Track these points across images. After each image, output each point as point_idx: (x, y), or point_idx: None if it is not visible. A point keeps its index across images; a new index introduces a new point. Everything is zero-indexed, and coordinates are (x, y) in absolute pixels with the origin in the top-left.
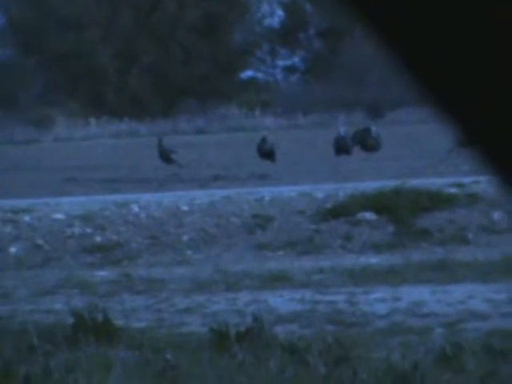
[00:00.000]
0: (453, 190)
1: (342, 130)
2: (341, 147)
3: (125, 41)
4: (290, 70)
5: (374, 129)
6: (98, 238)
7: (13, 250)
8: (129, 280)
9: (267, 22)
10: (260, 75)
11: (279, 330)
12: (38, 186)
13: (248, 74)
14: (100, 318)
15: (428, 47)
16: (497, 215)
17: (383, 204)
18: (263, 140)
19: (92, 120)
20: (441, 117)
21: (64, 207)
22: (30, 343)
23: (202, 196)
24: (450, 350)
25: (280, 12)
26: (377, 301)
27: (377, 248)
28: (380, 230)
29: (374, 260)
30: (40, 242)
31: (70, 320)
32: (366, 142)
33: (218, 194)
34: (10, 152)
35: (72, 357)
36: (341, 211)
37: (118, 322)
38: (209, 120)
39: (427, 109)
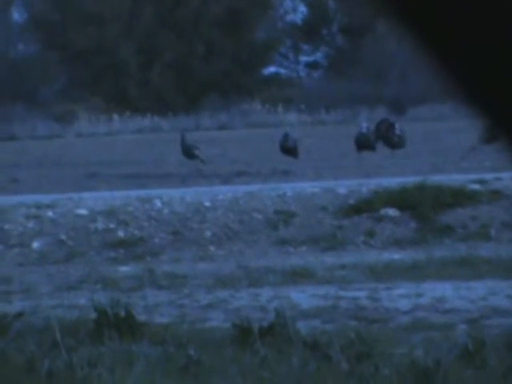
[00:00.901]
0: (476, 187)
1: (364, 126)
2: (362, 144)
3: (147, 36)
4: (312, 66)
5: (397, 125)
6: (121, 234)
7: (36, 245)
8: (152, 275)
9: (290, 17)
10: (283, 71)
11: (302, 325)
12: (61, 182)
13: (271, 69)
14: (123, 313)
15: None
16: None
17: (406, 200)
18: (285, 136)
19: (115, 116)
20: (468, 111)
21: (87, 202)
22: (53, 339)
23: (224, 192)
24: (472, 346)
25: (303, 8)
26: (399, 297)
27: (399, 244)
28: (403, 226)
29: (396, 256)
30: (63, 237)
31: (93, 315)
32: (390, 139)
33: (240, 189)
34: (32, 147)
35: (95, 352)
36: (364, 207)
37: (141, 317)
38: (231, 116)
39: (453, 104)
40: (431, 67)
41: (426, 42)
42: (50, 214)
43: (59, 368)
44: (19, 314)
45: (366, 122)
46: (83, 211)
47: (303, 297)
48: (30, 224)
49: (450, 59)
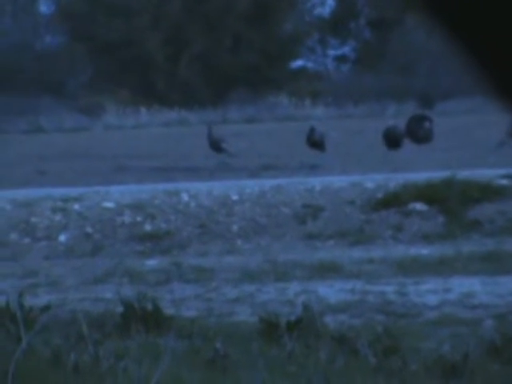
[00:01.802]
0: (504, 182)
1: (392, 122)
2: (391, 140)
3: (175, 28)
4: (340, 59)
5: (425, 121)
6: (148, 227)
7: (62, 238)
8: (178, 269)
9: (318, 11)
10: (310, 65)
11: (329, 319)
12: (88, 175)
13: (298, 63)
14: (150, 306)
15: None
16: None
17: (434, 195)
18: (312, 130)
19: (142, 108)
20: (498, 105)
21: (114, 196)
22: (79, 332)
23: (252, 185)
24: (499, 341)
25: (331, 1)
26: (427, 292)
27: (427, 239)
28: (431, 221)
29: (424, 251)
30: (90, 230)
31: (120, 309)
32: (417, 133)
33: (268, 183)
34: (59, 140)
35: (121, 346)
36: (391, 201)
37: (168, 311)
38: (259, 109)
39: (482, 98)
40: (462, 60)
41: (459, 35)
42: (76, 207)
43: (85, 361)
44: (46, 307)
45: (393, 117)
46: (110, 204)
47: (331, 291)
48: (57, 217)
49: (482, 52)
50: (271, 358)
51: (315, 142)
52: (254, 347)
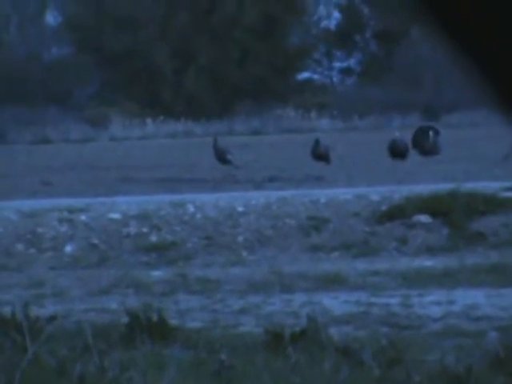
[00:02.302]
0: (508, 194)
1: (397, 134)
2: (396, 152)
3: (182, 40)
4: (346, 72)
5: (431, 133)
6: (154, 238)
7: (68, 249)
8: (184, 280)
9: (324, 23)
10: (316, 77)
11: (334, 331)
12: (94, 185)
13: (304, 75)
14: (155, 317)
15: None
16: None
17: (438, 207)
18: (317, 143)
19: (148, 120)
20: (502, 118)
21: (120, 207)
22: (85, 342)
23: (257, 197)
24: (503, 353)
25: (337, 14)
26: (431, 303)
27: (432, 251)
28: (435, 233)
29: (428, 263)
30: (96, 241)
31: (125, 319)
32: (424, 145)
33: (273, 195)
34: (65, 150)
35: (127, 356)
36: (396, 214)
37: (173, 321)
38: (265, 121)
39: (487, 111)
40: (468, 73)
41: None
42: (82, 217)
43: (91, 372)
44: (51, 318)
45: (398, 130)
46: (116, 215)
47: (335, 303)
48: (63, 228)
49: (488, 64)
50: (276, 369)
51: (320, 155)
52: (258, 358)
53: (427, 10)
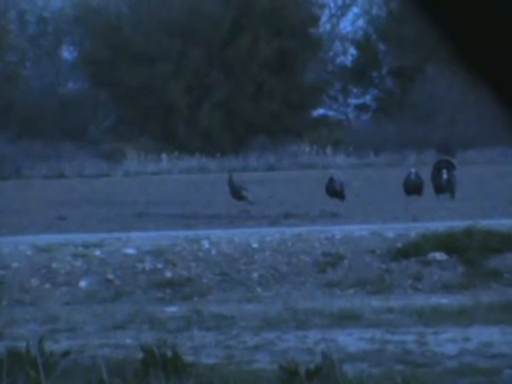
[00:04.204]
0: None
1: (413, 171)
2: (411, 188)
3: (196, 76)
4: (361, 108)
5: (444, 171)
6: (169, 274)
7: (83, 284)
8: (199, 316)
9: (340, 59)
10: (332, 113)
11: (348, 368)
12: (109, 221)
13: (320, 111)
14: (169, 353)
15: None
16: None
17: (454, 244)
18: (331, 180)
19: (163, 155)
20: None
21: (135, 242)
22: (99, 378)
23: (272, 233)
24: None
25: (353, 50)
26: (446, 341)
27: (447, 288)
28: (450, 271)
29: (444, 300)
30: (110, 276)
31: (140, 355)
32: (436, 183)
33: (288, 231)
34: (80, 185)
35: None
36: (411, 251)
37: (188, 357)
38: (279, 157)
39: (503, 148)
40: (486, 109)
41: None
42: (97, 252)
43: None
44: (66, 353)
45: (414, 166)
46: (131, 251)
47: (350, 340)
48: (78, 263)
49: (507, 101)
50: None
51: (334, 191)
52: None
53: (446, 47)
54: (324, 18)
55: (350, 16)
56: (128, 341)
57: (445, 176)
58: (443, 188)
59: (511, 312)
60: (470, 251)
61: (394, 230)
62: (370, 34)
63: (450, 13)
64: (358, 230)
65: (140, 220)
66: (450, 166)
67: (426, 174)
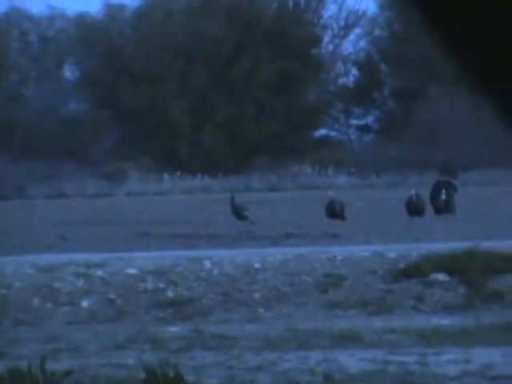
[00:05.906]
0: None
1: (414, 192)
2: (413, 209)
3: (199, 96)
4: (363, 129)
5: (443, 191)
6: (171, 294)
7: (85, 303)
8: (200, 336)
9: (342, 80)
10: (333, 134)
11: None
12: (111, 241)
13: (321, 132)
14: (171, 373)
15: None
16: None
17: (456, 265)
18: (331, 203)
19: (165, 175)
20: None
21: (137, 262)
22: None
23: (274, 253)
24: None
25: (355, 71)
26: (448, 362)
27: (448, 309)
28: (452, 292)
29: (445, 321)
30: (112, 296)
31: (142, 375)
32: (435, 204)
33: (290, 251)
34: (82, 205)
35: None
36: (413, 272)
37: (189, 377)
38: (281, 177)
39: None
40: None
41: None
42: (99, 272)
43: None
44: (68, 372)
45: (416, 187)
46: (133, 270)
47: (352, 360)
48: (80, 282)
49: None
50: None
51: (334, 213)
52: None
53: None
54: (326, 39)
55: (352, 37)
56: (130, 361)
57: (443, 197)
58: (441, 209)
59: None
60: (471, 272)
61: (396, 251)
62: (372, 55)
63: (453, 33)
64: (359, 250)
65: (142, 240)
66: (450, 187)
67: (428, 196)
